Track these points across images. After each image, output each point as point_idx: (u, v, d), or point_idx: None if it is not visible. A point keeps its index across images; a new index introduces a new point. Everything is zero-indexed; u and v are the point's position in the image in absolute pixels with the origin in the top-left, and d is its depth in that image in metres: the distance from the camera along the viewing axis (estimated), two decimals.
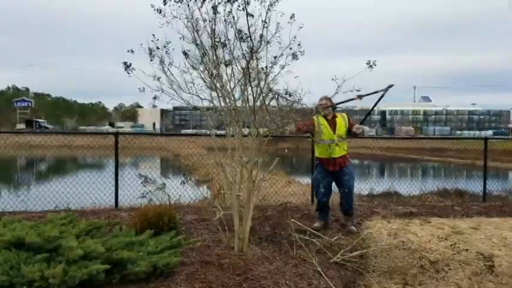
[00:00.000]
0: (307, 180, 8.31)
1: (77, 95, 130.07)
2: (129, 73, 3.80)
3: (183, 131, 60.62)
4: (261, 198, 6.28)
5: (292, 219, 4.67)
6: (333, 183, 5.16)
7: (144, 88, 3.82)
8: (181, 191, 6.25)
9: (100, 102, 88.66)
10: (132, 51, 3.72)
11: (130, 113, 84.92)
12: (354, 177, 5.24)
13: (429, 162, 26.11)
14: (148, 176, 5.61)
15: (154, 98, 3.87)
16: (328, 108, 4.97)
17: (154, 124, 69.50)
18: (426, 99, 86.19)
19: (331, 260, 4.09)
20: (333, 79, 3.60)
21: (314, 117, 5.08)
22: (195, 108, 4.28)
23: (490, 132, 64.49)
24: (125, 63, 3.84)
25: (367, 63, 3.62)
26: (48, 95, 78.38)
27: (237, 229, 4.11)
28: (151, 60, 3.85)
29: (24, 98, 64.64)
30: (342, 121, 5.08)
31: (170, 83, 3.99)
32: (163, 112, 74.33)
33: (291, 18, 3.39)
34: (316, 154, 5.24)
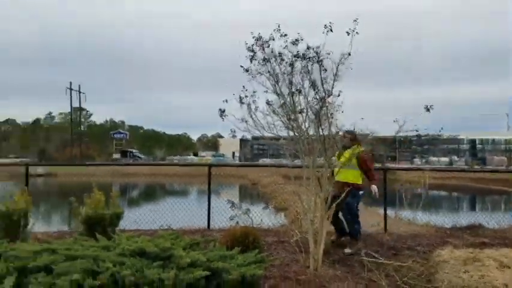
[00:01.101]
0: (381, 211, 8.59)
1: (166, 126, 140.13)
2: (223, 118, 4.69)
3: (261, 160, 62.42)
4: None
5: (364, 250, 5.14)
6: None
7: (235, 130, 4.70)
8: (262, 216, 7.01)
9: (186, 133, 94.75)
10: (226, 101, 4.62)
11: (211, 143, 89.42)
12: (349, 203, 5.69)
13: None
14: (233, 202, 6.48)
15: (243, 137, 4.72)
16: (345, 140, 5.66)
17: (233, 153, 72.25)
18: None
19: (399, 283, 4.48)
20: (394, 121, 4.15)
21: None
22: (275, 139, 5.07)
23: None
24: (220, 109, 4.75)
25: (424, 107, 4.11)
26: (141, 127, 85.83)
27: (312, 250, 4.70)
28: (241, 107, 4.71)
29: (120, 130, 71.28)
30: (348, 152, 5.61)
31: (255, 124, 4.81)
32: (242, 142, 77.17)
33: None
34: None
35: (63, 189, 24.14)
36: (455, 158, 64.64)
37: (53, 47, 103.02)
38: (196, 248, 4.58)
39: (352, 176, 5.77)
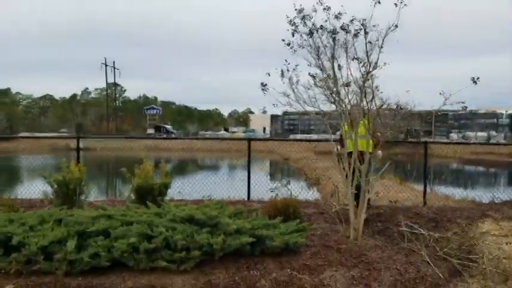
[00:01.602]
0: (420, 187, 8.54)
1: (197, 102, 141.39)
2: (264, 92, 4.79)
3: (292, 135, 62.35)
4: (375, 198, 6.85)
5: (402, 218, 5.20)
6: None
7: (277, 105, 4.80)
8: (297, 189, 7.19)
9: (217, 109, 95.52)
10: (269, 74, 4.70)
11: (243, 118, 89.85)
12: None
13: None
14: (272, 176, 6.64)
15: (285, 112, 4.83)
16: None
17: (264, 129, 72.32)
18: None
19: (438, 253, 4.56)
20: (440, 93, 4.11)
21: None
22: (317, 113, 5.10)
23: None
24: (262, 83, 4.84)
25: (471, 79, 4.05)
26: (173, 103, 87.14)
27: (352, 221, 4.83)
28: (282, 81, 4.79)
29: (153, 106, 72.48)
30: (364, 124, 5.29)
31: (297, 98, 4.89)
32: (273, 117, 76.99)
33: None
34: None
35: (103, 162, 25.16)
36: (493, 133, 62.05)
37: (89, 25, 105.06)
38: (240, 216, 4.80)
39: (367, 144, 5.73)
